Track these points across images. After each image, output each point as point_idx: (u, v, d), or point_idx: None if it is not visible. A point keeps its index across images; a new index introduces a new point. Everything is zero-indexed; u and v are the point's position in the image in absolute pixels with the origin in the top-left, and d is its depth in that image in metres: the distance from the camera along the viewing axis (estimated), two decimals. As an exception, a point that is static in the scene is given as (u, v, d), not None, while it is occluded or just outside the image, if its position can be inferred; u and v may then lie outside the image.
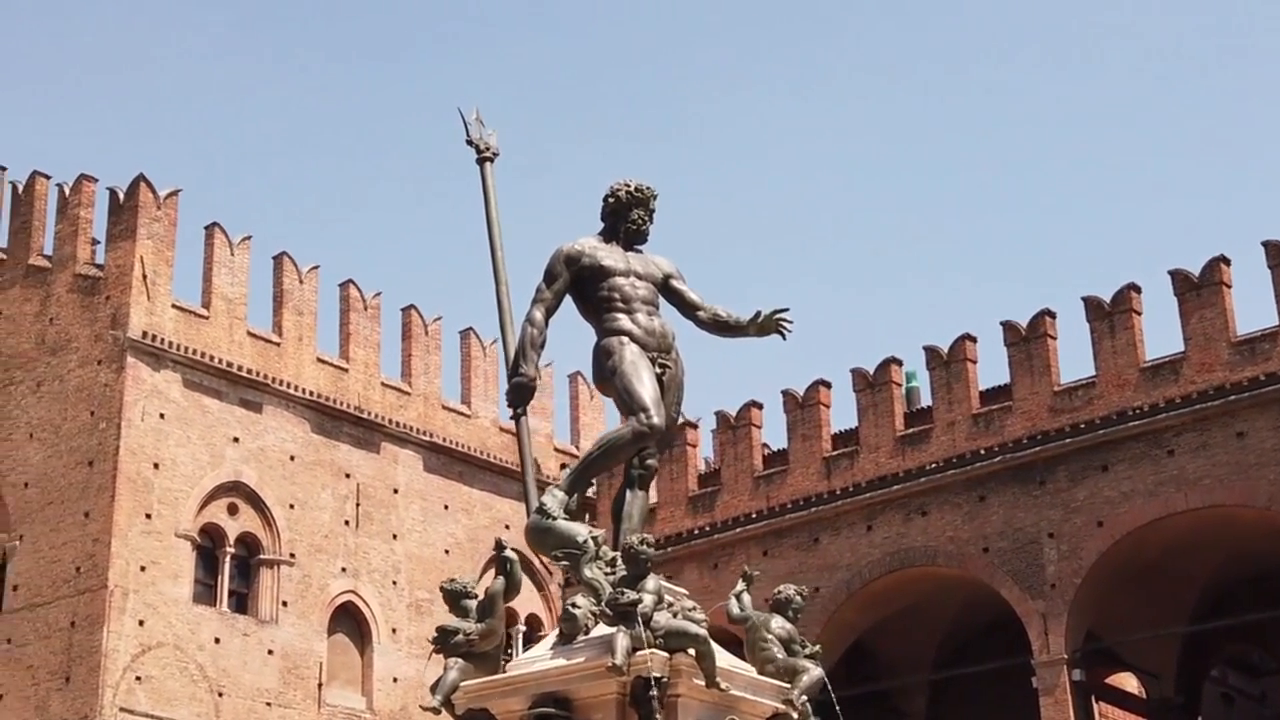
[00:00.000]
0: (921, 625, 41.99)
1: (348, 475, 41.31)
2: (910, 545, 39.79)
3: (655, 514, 44.21)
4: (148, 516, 37.18)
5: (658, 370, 13.42)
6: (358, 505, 41.16)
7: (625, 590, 12.07)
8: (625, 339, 13.40)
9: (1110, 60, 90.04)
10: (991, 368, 40.84)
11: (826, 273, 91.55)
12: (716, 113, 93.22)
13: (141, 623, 36.48)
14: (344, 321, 42.84)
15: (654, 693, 11.66)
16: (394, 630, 40.86)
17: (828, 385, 42.41)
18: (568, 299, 13.80)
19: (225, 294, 40.10)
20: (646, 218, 14.01)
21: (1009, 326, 39.50)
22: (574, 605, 12.43)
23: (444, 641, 12.67)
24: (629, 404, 13.18)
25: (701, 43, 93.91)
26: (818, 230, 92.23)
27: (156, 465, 37.63)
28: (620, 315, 13.51)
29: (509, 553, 12.87)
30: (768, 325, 13.60)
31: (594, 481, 13.69)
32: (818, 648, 13.30)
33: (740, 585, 13.56)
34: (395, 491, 42.19)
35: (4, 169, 42.32)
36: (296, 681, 38.79)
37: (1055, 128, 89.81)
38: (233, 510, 39.07)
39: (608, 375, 13.40)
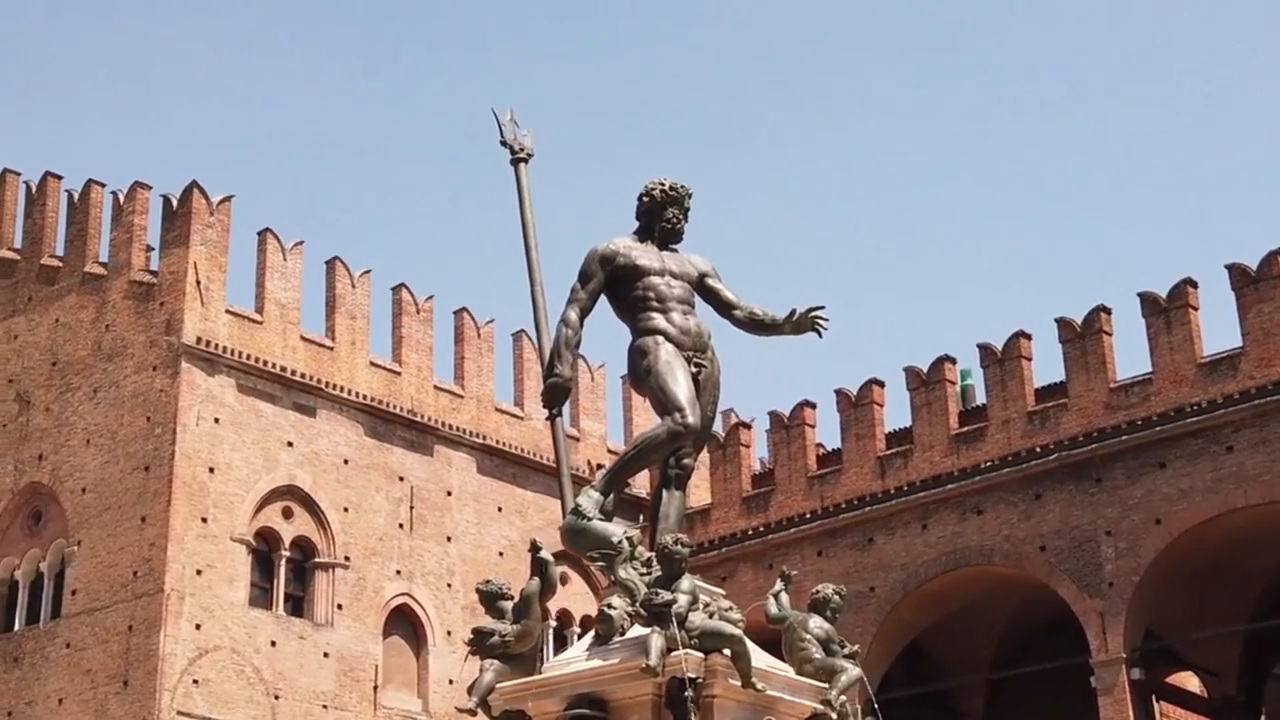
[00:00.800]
0: (979, 625, 41.75)
1: (401, 478, 41.38)
2: (966, 544, 39.58)
3: (709, 514, 44.19)
4: (203, 520, 37.36)
5: (693, 369, 13.35)
6: (411, 508, 41.23)
7: (659, 590, 12.01)
8: (660, 338, 13.34)
9: (1165, 55, 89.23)
10: (1047, 365, 40.61)
11: (879, 271, 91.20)
12: (762, 110, 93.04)
13: (198, 626, 36.65)
14: (396, 325, 42.90)
15: (689, 693, 11.60)
16: (449, 632, 40.93)
17: (881, 384, 42.26)
18: (603, 299, 13.76)
19: (278, 299, 40.25)
20: (681, 216, 13.95)
21: (1064, 323, 39.26)
22: (610, 606, 12.38)
23: (480, 643, 12.67)
24: (664, 403, 13.13)
25: (747, 42, 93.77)
26: (870, 228, 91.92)
27: (211, 470, 37.80)
28: (655, 314, 13.46)
29: (544, 553, 12.83)
30: (803, 323, 13.53)
31: (630, 482, 13.59)
32: (856, 647, 13.19)
33: (778, 585, 13.49)
34: (449, 494, 42.27)
35: (60, 177, 42.66)
36: (352, 684, 38.92)
37: (1108, 123, 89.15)
38: (287, 514, 39.20)
39: (642, 375, 13.37)
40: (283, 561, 39.01)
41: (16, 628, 39.24)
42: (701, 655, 11.78)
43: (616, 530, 12.81)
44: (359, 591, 39.70)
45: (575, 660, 12.49)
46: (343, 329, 41.36)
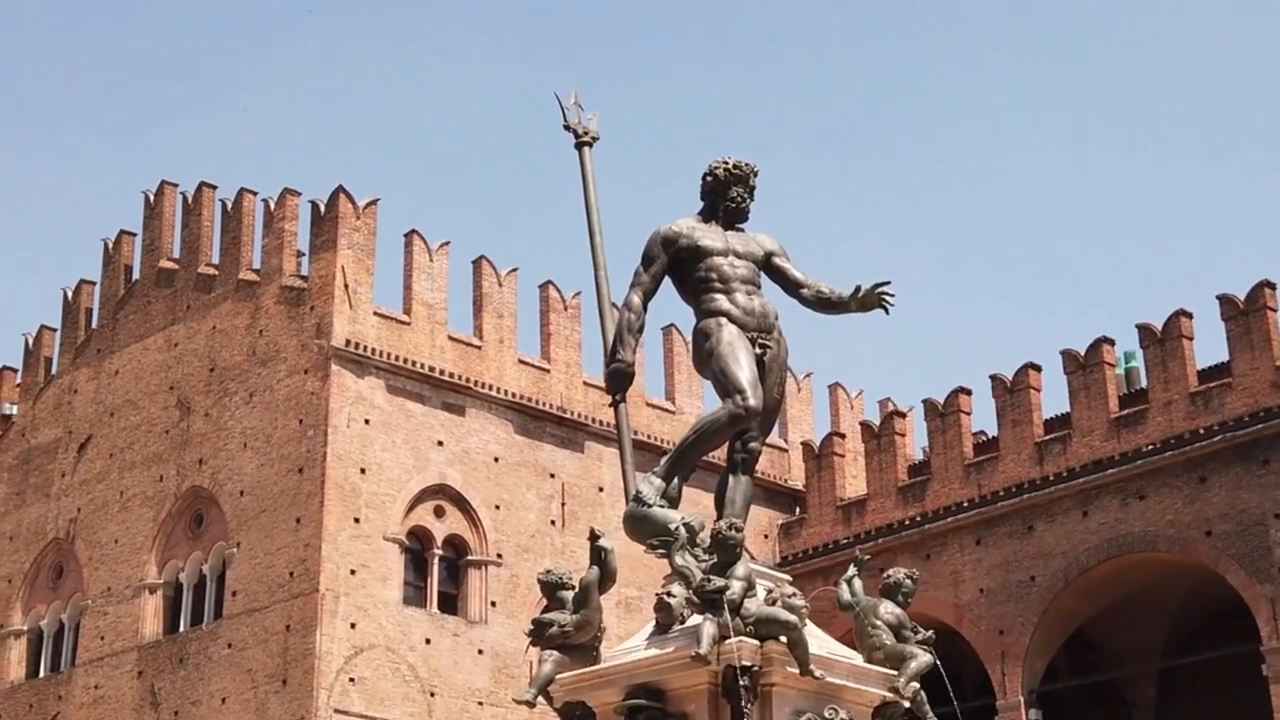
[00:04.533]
0: (1145, 613, 40.57)
1: (552, 475, 41.44)
2: (1128, 531, 38.56)
3: (865, 505, 43.62)
4: (356, 521, 37.77)
5: (758, 351, 13.09)
6: (563, 505, 41.29)
7: (712, 577, 11.75)
8: (723, 320, 13.12)
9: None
10: (1209, 344, 39.38)
11: (1034, 254, 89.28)
12: (903, 86, 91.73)
13: (353, 625, 37.06)
14: (544, 322, 42.96)
15: (744, 682, 11.31)
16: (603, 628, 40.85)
17: (1037, 369, 41.35)
18: (667, 281, 13.56)
19: (425, 299, 40.55)
20: (746, 195, 13.70)
21: (1226, 300, 38.09)
22: (669, 594, 12.15)
23: (539, 634, 12.53)
24: (725, 386, 12.91)
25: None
26: (1024, 209, 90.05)
27: (363, 470, 38.21)
28: (718, 296, 13.23)
29: (603, 542, 12.63)
30: (869, 300, 13.20)
31: (696, 466, 13.36)
32: (930, 633, 12.72)
33: (851, 570, 13.07)
34: (600, 490, 42.22)
35: (214, 187, 43.49)
36: (507, 680, 39.06)
37: (1263, 93, 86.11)
38: (439, 513, 39.48)
39: (705, 358, 13.16)
40: (435, 560, 39.30)
41: (182, 629, 40.11)
42: (757, 643, 11.51)
43: (675, 516, 12.59)
44: (512, 588, 39.84)
45: (634, 649, 12.32)
46: (490, 328, 41.55)
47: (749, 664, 11.38)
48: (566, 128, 14.48)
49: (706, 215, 13.65)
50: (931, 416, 43.00)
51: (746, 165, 13.69)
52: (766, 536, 44.92)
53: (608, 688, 12.04)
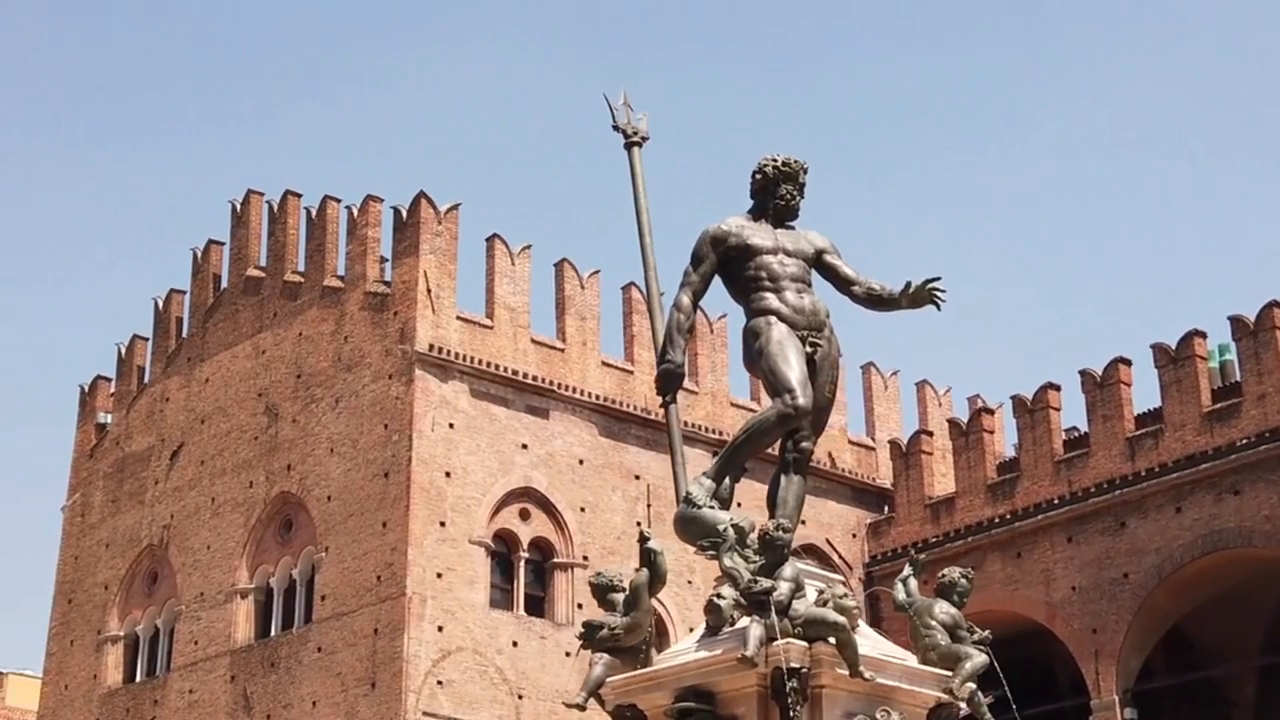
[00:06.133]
0: (1243, 610, 39.88)
1: (637, 477, 41.36)
2: (1223, 527, 37.99)
3: (954, 503, 43.19)
4: (442, 524, 37.88)
5: (808, 349, 12.96)
6: (649, 506, 41.17)
7: (759, 579, 11.63)
8: (773, 319, 13.01)
9: None
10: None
11: (1122, 244, 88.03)
12: (992, 81, 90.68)
13: (440, 628, 37.20)
14: (628, 324, 42.87)
15: (792, 684, 11.20)
16: (690, 629, 40.55)
17: (1128, 363, 40.80)
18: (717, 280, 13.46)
19: (508, 303, 40.62)
20: (796, 192, 13.57)
21: (1320, 290, 37.42)
22: (719, 596, 12.07)
23: (590, 637, 12.47)
24: (774, 385, 12.78)
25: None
26: (1110, 200, 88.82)
27: (448, 474, 38.33)
28: (768, 294, 13.12)
29: (652, 544, 12.53)
30: (920, 296, 13.05)
31: (747, 466, 13.22)
32: (987, 633, 12.51)
33: (906, 570, 12.91)
34: (686, 491, 42.09)
35: (299, 195, 43.81)
36: (595, 683, 39.04)
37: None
38: (525, 515, 39.52)
39: (755, 357, 13.05)
40: (521, 563, 39.35)
41: (273, 633, 40.44)
42: (805, 644, 11.38)
43: (725, 517, 12.48)
44: (599, 591, 39.77)
45: (684, 652, 12.26)
46: (573, 330, 41.56)
47: (797, 666, 11.26)
48: (616, 128, 14.46)
49: (756, 213, 13.54)
50: (1020, 413, 42.54)
51: (796, 162, 13.55)
52: (855, 536, 44.68)
53: (658, 690, 11.98)
